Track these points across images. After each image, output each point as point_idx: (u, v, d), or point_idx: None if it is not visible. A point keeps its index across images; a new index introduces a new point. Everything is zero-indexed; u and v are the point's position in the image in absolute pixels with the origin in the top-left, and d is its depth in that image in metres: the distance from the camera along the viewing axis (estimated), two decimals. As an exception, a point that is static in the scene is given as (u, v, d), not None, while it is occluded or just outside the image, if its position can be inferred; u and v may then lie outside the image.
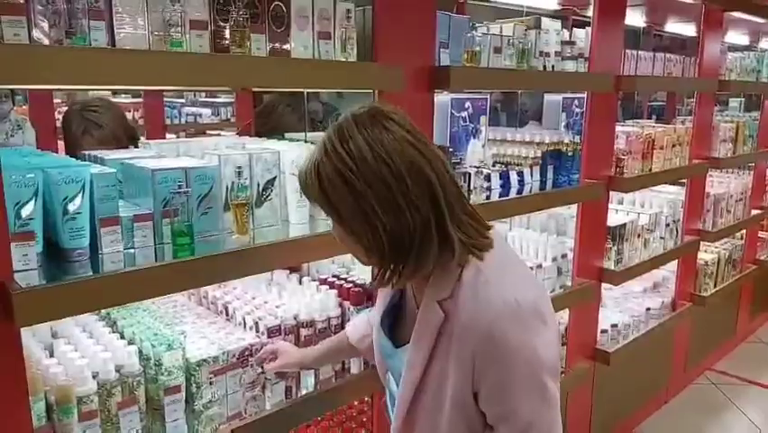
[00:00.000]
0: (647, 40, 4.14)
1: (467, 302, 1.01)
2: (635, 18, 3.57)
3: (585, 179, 2.51)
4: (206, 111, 6.07)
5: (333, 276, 1.88)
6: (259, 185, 1.52)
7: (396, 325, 1.24)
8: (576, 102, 2.78)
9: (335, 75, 1.49)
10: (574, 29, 2.49)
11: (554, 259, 2.50)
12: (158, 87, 1.66)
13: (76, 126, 1.98)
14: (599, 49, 2.43)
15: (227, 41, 1.36)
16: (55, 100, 3.63)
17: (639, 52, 2.79)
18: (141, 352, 1.42)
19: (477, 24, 2.18)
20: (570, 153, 2.42)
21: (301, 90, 1.92)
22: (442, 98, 2.25)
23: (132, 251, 1.32)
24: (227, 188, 1.44)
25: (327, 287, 1.79)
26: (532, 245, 2.64)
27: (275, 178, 1.54)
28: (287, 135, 2.06)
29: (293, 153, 1.58)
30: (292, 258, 1.47)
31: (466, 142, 2.32)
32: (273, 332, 1.59)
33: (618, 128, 2.78)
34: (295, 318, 1.65)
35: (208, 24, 1.33)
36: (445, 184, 1.00)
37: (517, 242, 2.67)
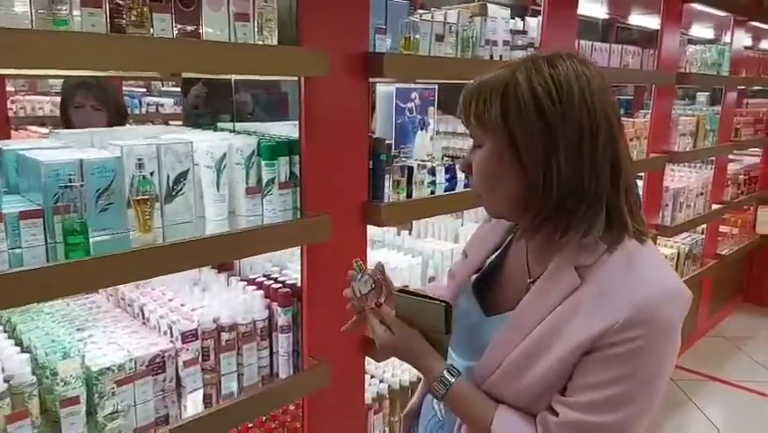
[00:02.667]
0: (612, 33, 4.08)
1: (619, 273, 0.91)
2: (596, 9, 3.50)
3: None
4: (169, 101, 5.87)
5: (264, 275, 1.77)
6: (169, 178, 1.40)
7: (485, 292, 1.12)
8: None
9: (253, 59, 1.38)
10: (526, 18, 2.41)
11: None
12: (39, 71, 1.52)
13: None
14: (551, 39, 2.35)
15: (125, 21, 1.23)
16: (8, 88, 3.42)
17: (595, 43, 2.72)
18: (36, 360, 1.30)
19: (422, 11, 2.08)
20: (521, 147, 2.34)
21: (226, 77, 1.80)
22: (386, 88, 2.15)
23: (18, 251, 1.20)
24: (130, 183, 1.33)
25: (254, 287, 1.69)
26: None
27: (187, 170, 1.43)
28: (220, 126, 1.94)
29: (208, 144, 1.46)
30: (203, 258, 1.36)
31: (413, 134, 2.22)
32: (188, 337, 1.48)
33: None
34: (215, 322, 1.54)
35: (103, 2, 1.20)
36: (628, 161, 0.93)
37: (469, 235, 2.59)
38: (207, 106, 1.98)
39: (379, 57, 1.64)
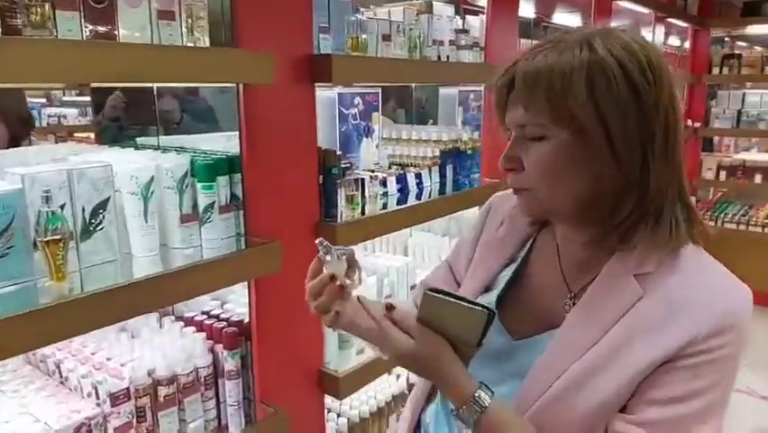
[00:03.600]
0: (539, 31, 4.08)
1: (690, 280, 0.81)
2: (526, 8, 3.47)
3: (486, 178, 2.33)
4: (73, 111, 5.37)
5: (203, 313, 1.54)
6: (84, 210, 1.15)
7: (501, 311, 0.95)
8: (472, 95, 2.60)
9: (182, 65, 1.15)
10: (467, 16, 2.29)
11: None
12: None
13: None
14: (495, 38, 2.25)
15: (20, 22, 0.99)
16: None
17: (532, 42, 2.65)
18: None
19: (363, 9, 1.91)
20: (469, 151, 2.23)
21: (147, 85, 1.56)
22: (327, 94, 1.96)
23: None
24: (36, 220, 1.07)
25: (194, 328, 1.46)
26: (434, 250, 2.43)
27: (107, 199, 1.18)
28: (141, 142, 1.68)
29: (132, 166, 1.22)
30: (133, 308, 1.12)
31: (358, 142, 2.05)
32: (119, 398, 1.24)
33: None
34: (150, 375, 1.31)
35: (-13, -3, 0.95)
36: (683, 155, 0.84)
37: (419, 248, 2.45)
38: (128, 119, 1.72)
39: (326, 59, 1.45)
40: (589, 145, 0.78)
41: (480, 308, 0.80)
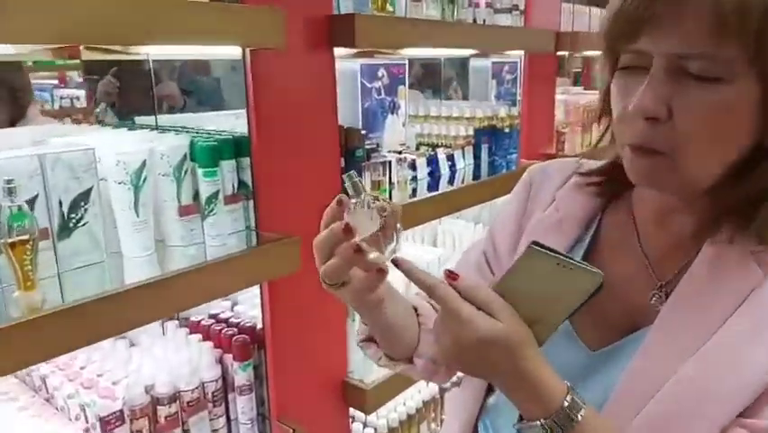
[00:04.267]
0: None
1: None
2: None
3: (524, 160, 2.10)
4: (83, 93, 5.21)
5: (211, 316, 1.35)
6: (62, 204, 0.96)
7: None
8: (507, 67, 2.36)
9: (175, 22, 0.94)
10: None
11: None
12: None
13: None
14: (536, 0, 2.00)
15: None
16: None
17: (574, 6, 2.40)
18: None
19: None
20: (506, 129, 1.99)
21: (139, 58, 1.35)
22: (348, 65, 1.74)
23: None
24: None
25: (200, 336, 1.27)
26: (467, 240, 2.22)
27: (90, 190, 0.99)
28: (139, 122, 1.48)
29: (119, 149, 1.02)
30: (123, 322, 0.93)
31: (382, 119, 1.83)
32: (110, 422, 1.05)
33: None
34: (148, 393, 1.12)
35: None
36: None
37: (450, 237, 2.24)
38: (124, 105, 1.52)
39: (348, 19, 1.23)
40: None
41: (595, 270, 0.58)
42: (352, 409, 1.47)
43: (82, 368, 1.14)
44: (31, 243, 0.86)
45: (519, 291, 0.60)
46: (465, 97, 2.44)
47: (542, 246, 0.59)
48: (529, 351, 0.60)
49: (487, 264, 0.87)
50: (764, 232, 0.63)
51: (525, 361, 0.59)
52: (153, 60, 1.48)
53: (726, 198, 0.64)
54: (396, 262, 0.64)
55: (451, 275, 0.62)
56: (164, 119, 1.41)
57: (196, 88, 1.69)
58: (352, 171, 0.66)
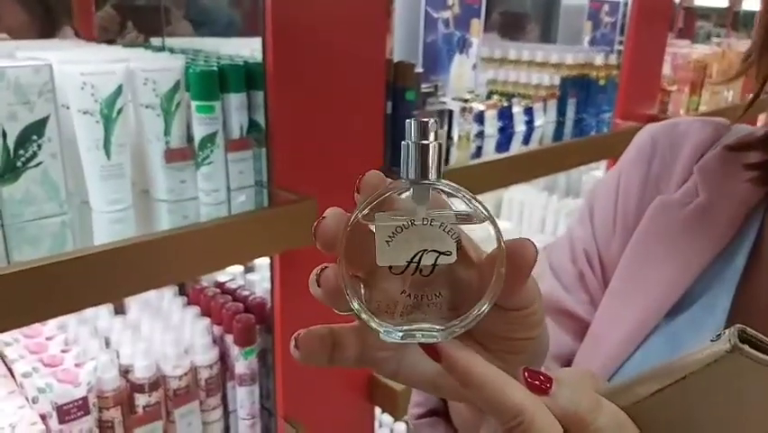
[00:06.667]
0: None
1: None
2: None
3: (619, 120, 1.73)
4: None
5: (217, 285, 1.12)
6: (6, 136, 0.72)
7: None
8: (606, 8, 1.96)
9: None
10: None
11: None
12: None
13: None
14: None
15: None
16: None
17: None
18: None
19: None
20: (601, 82, 1.64)
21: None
22: (411, -11, 1.43)
23: None
24: None
25: (197, 310, 1.04)
26: (537, 211, 1.90)
27: (46, 119, 0.74)
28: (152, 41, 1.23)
29: (85, 68, 0.77)
30: (85, 296, 0.70)
31: (449, 59, 1.52)
32: (69, 413, 0.85)
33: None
34: (124, 376, 0.91)
35: None
36: None
37: (517, 206, 1.92)
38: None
39: None
40: None
41: None
42: (377, 411, 1.22)
43: (48, 339, 0.94)
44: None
45: (679, 419, 0.30)
46: (547, 41, 2.07)
47: (753, 339, 0.28)
48: None
49: (591, 271, 0.58)
50: None
51: None
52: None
53: None
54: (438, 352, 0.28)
55: (538, 379, 0.29)
56: (172, 42, 1.15)
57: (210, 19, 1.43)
58: (432, 118, 0.28)
